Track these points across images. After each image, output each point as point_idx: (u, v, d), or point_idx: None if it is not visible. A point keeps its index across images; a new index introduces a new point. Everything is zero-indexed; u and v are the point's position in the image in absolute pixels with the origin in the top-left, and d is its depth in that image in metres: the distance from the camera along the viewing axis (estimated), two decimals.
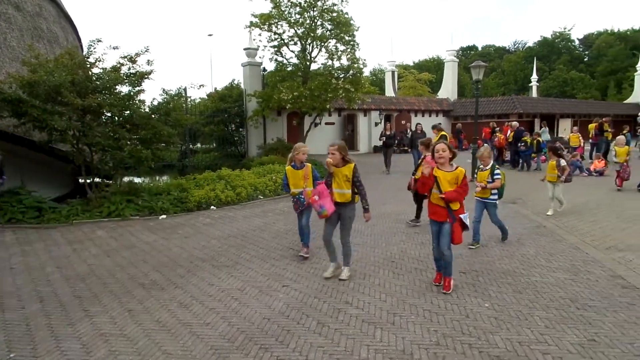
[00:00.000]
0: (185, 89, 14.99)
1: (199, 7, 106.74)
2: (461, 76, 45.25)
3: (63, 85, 8.61)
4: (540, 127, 21.93)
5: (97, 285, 5.32)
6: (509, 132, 16.79)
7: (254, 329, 4.03)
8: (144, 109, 10.11)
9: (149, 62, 9.89)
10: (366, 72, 26.01)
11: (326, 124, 23.18)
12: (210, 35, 69.08)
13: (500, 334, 3.79)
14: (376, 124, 25.36)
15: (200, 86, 11.58)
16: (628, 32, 58.41)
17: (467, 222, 4.73)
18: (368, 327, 4.00)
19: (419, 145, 7.98)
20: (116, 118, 9.80)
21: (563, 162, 8.29)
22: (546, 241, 6.65)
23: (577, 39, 64.71)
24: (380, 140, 17.12)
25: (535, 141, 15.68)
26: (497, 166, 6.37)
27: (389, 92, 32.84)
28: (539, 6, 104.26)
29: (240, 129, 21.33)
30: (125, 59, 9.73)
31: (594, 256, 5.83)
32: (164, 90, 10.63)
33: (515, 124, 16.93)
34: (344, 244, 5.28)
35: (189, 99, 17.78)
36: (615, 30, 60.33)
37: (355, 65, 18.34)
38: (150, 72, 9.90)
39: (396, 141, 15.72)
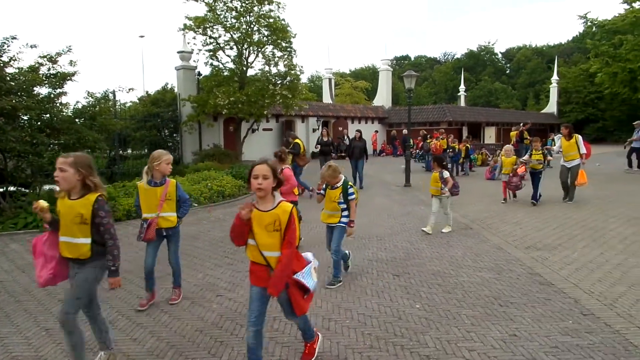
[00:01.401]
0: (113, 92, 14.29)
1: (129, 7, 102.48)
2: (395, 85, 46.90)
3: None
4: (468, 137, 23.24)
5: (10, 304, 4.87)
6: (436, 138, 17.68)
7: (185, 343, 3.87)
8: (67, 113, 9.48)
9: (71, 63, 9.31)
10: (304, 78, 26.06)
11: (264, 130, 23.06)
12: (141, 36, 66.27)
13: (430, 334, 3.92)
14: (314, 130, 25.60)
15: (129, 89, 11.07)
16: (544, 48, 63.64)
17: (311, 279, 3.14)
18: None
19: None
20: (34, 122, 9.09)
21: (446, 174, 7.60)
22: (472, 242, 7.00)
23: (500, 52, 69.55)
24: (316, 147, 16.39)
25: (464, 147, 16.59)
26: (350, 183, 5.24)
27: (327, 99, 33.30)
28: (466, 20, 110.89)
29: (174, 135, 20.67)
30: (45, 59, 9.09)
31: (515, 255, 6.21)
32: (88, 92, 10.02)
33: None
34: (64, 321, 3.13)
35: (118, 103, 16.95)
36: (533, 46, 65.49)
37: (293, 71, 18.42)
38: (73, 74, 9.31)
39: (333, 148, 14.41)
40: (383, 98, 32.78)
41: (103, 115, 9.87)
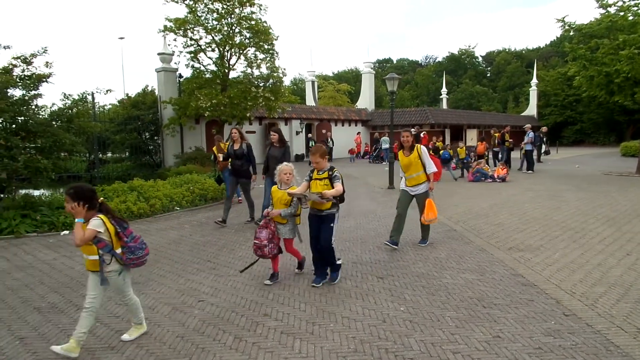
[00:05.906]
0: (92, 94, 14.03)
1: (108, 8, 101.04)
2: (378, 87, 47.17)
3: None
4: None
5: None
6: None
7: (165, 350, 3.77)
8: (43, 115, 9.23)
9: (47, 64, 9.07)
10: (287, 81, 26.12)
11: (247, 132, 22.91)
12: (121, 38, 65.32)
13: (415, 337, 3.89)
14: (297, 133, 25.55)
15: (107, 91, 10.83)
16: (523, 51, 64.74)
17: None
18: (287, 339, 3.91)
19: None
20: (8, 125, 8.83)
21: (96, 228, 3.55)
22: (456, 244, 7.02)
23: (480, 56, 70.51)
24: (218, 162, 10.71)
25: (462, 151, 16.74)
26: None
27: (310, 101, 33.29)
28: (444, 25, 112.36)
29: (155, 138, 20.41)
30: (19, 60, 8.83)
31: (498, 257, 6.25)
32: (65, 94, 9.79)
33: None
34: None
35: (97, 105, 16.65)
36: (513, 49, 66.58)
37: (275, 74, 18.38)
38: (48, 75, 9.07)
39: (251, 161, 8.69)
40: (366, 101, 32.93)
41: (81, 117, 9.63)
